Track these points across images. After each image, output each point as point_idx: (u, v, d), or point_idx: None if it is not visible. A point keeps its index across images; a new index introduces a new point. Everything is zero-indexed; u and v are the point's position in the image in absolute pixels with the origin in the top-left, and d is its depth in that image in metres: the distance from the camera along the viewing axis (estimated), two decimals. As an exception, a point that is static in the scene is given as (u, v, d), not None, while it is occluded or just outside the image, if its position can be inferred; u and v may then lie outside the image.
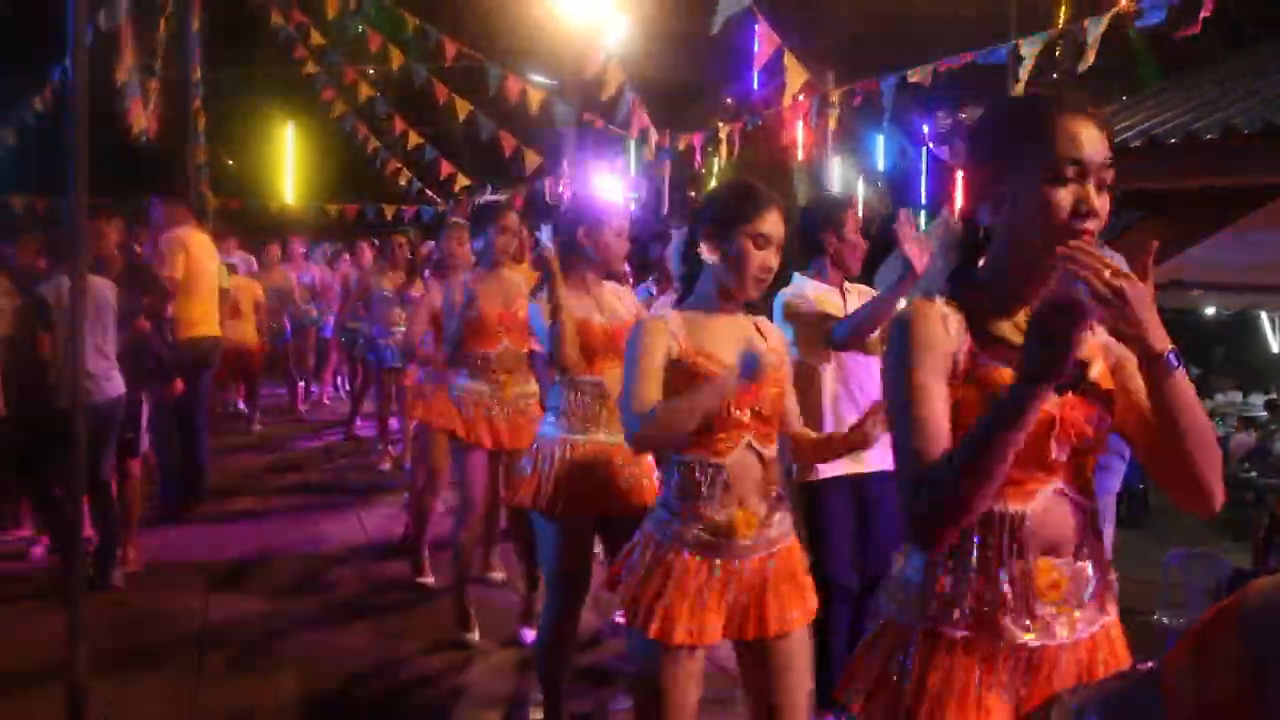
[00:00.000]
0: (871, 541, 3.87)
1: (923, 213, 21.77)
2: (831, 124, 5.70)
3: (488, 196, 5.52)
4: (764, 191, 2.59)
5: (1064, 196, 1.62)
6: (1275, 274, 9.98)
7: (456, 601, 4.79)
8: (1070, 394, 1.69)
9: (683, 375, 2.52)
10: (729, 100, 20.73)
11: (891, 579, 1.81)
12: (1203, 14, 3.67)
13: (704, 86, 20.21)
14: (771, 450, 2.60)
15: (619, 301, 3.70)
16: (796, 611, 2.60)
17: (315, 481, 7.97)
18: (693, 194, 20.61)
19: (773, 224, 2.53)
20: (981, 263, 1.81)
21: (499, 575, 5.58)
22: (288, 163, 18.63)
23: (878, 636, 1.80)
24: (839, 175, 19.83)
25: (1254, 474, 12.50)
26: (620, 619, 4.72)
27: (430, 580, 5.48)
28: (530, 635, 4.65)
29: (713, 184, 20.90)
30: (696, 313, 2.62)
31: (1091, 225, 1.63)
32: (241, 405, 10.73)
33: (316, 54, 12.07)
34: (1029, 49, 4.43)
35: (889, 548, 3.77)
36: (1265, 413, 15.36)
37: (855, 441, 2.70)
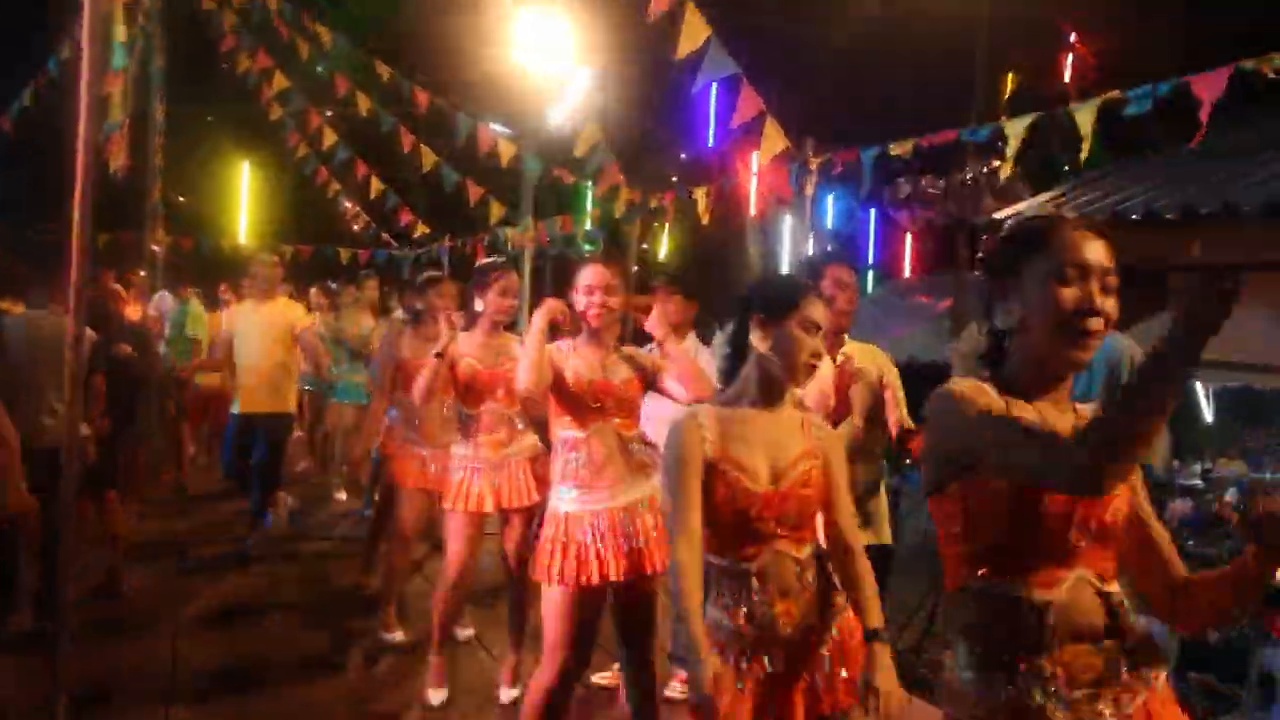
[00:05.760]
0: None
1: (870, 273, 22.14)
2: (809, 191, 5.80)
3: (433, 271, 5.57)
4: (806, 280, 2.67)
5: (1068, 294, 1.77)
6: (1210, 348, 10.28)
7: (431, 659, 4.74)
8: None
9: (712, 478, 2.50)
10: (682, 156, 20.99)
11: (944, 678, 1.86)
12: (1204, 115, 3.82)
13: (654, 140, 20.40)
14: (806, 550, 2.57)
15: (629, 362, 3.71)
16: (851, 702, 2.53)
17: (272, 531, 7.83)
18: (644, 245, 20.76)
19: (819, 311, 2.58)
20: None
21: (467, 631, 5.52)
22: (242, 202, 18.45)
23: None
24: (789, 234, 20.11)
25: (1191, 543, 12.73)
26: (598, 679, 4.75)
27: (398, 636, 5.40)
28: (509, 695, 4.62)
29: (663, 240, 21.14)
30: (734, 408, 2.61)
31: (1095, 324, 1.77)
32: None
33: (281, 96, 12.04)
34: (1014, 130, 4.58)
35: None
36: (1200, 482, 15.67)
37: None
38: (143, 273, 12.56)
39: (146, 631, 5.48)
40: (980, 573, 1.82)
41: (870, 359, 4.11)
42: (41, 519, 5.31)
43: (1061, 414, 1.85)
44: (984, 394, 1.81)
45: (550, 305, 3.61)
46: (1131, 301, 1.89)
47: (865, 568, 2.62)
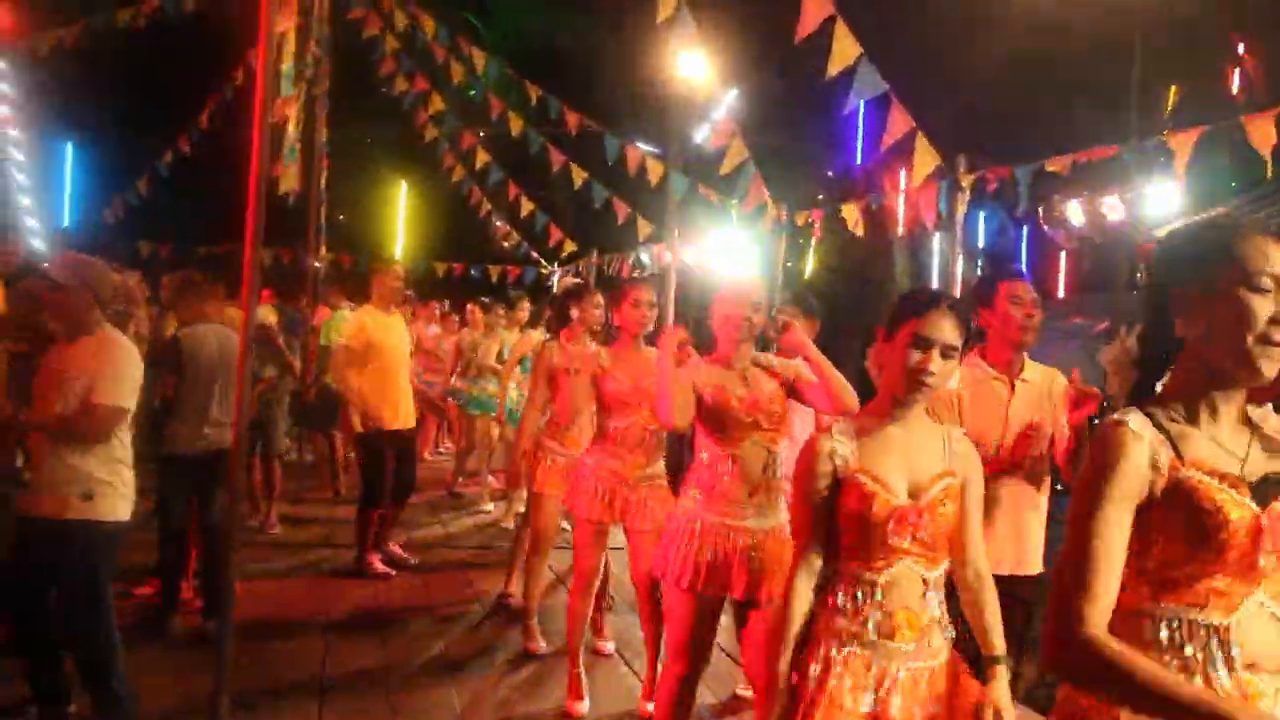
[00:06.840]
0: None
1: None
2: (960, 210, 5.68)
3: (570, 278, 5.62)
4: (936, 294, 2.55)
5: (1262, 305, 1.67)
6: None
7: (570, 671, 4.81)
8: (1276, 503, 1.70)
9: (845, 490, 2.48)
10: (829, 173, 20.83)
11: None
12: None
13: (800, 157, 20.25)
14: (936, 571, 2.52)
15: (769, 372, 3.72)
16: None
17: (420, 538, 8.04)
18: (788, 263, 20.65)
19: (938, 328, 2.44)
20: (1166, 379, 1.83)
21: (609, 645, 5.57)
22: (399, 221, 19.09)
23: None
24: (939, 251, 19.74)
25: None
26: (743, 691, 4.75)
27: (541, 646, 5.49)
28: (650, 708, 4.65)
29: (809, 258, 21.00)
30: (871, 418, 2.58)
31: None
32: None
33: (436, 119, 12.40)
34: (1181, 144, 4.39)
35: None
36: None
37: None
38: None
39: (299, 631, 5.69)
40: (1155, 595, 1.75)
41: (1047, 382, 3.79)
42: (202, 522, 5.60)
43: (1238, 434, 1.76)
44: (1137, 454, 1.70)
45: (670, 337, 3.68)
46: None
47: (993, 594, 2.62)
